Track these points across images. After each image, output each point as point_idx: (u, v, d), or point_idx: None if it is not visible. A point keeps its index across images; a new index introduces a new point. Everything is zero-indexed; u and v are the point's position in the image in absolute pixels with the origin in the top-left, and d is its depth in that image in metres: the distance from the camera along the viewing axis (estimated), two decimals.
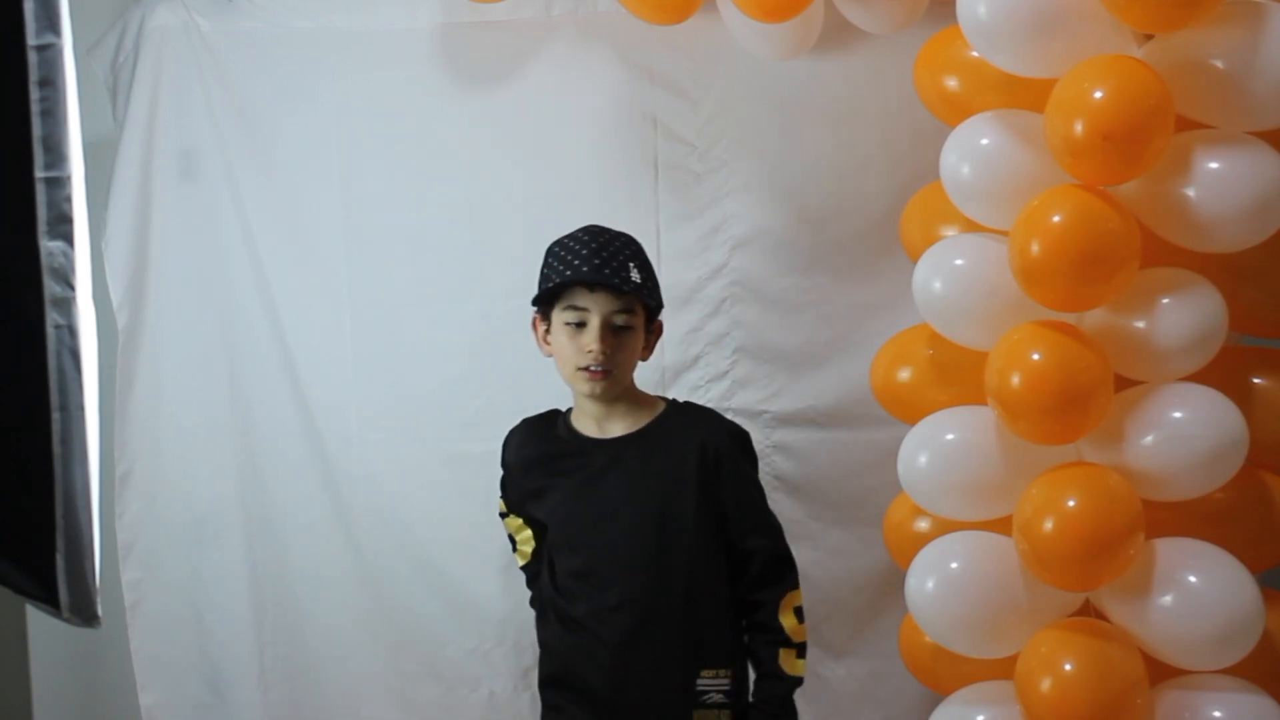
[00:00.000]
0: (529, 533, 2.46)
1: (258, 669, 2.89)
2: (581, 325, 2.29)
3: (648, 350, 2.37)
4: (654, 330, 2.37)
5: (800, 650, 2.33)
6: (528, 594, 2.48)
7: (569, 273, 2.28)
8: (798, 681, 2.32)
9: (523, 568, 2.51)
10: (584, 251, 2.29)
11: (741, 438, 2.39)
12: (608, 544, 2.31)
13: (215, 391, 2.87)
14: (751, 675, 2.36)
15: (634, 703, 2.30)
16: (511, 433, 2.47)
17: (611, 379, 2.30)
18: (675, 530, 2.30)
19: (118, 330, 2.83)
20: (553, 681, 2.38)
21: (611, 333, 2.28)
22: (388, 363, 2.85)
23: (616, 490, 2.33)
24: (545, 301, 2.33)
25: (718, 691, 2.31)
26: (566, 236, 2.35)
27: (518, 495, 2.44)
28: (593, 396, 2.33)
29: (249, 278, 2.85)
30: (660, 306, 2.36)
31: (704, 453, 2.32)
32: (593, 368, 2.29)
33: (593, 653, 2.31)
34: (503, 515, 2.50)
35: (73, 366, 2.38)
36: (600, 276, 2.26)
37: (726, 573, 2.34)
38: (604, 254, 2.29)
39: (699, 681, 2.30)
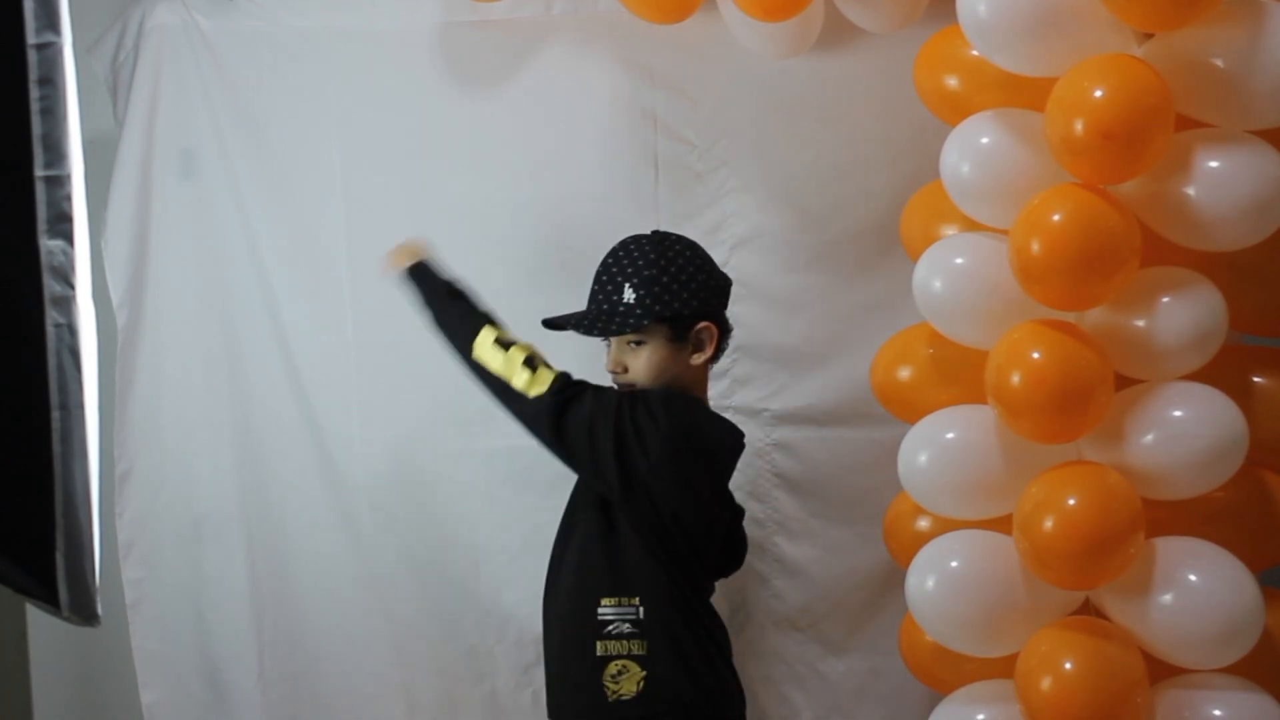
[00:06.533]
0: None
1: (258, 668, 2.88)
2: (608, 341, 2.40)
3: (700, 352, 2.35)
4: (699, 331, 2.35)
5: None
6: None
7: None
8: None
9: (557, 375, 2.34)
10: (591, 280, 2.38)
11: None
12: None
13: (215, 391, 2.87)
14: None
15: (556, 638, 2.35)
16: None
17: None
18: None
19: (118, 330, 2.83)
20: None
21: (626, 350, 2.35)
22: (388, 362, 2.84)
23: None
24: None
25: (624, 620, 2.28)
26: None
27: None
28: None
29: (249, 277, 2.85)
30: (684, 313, 2.32)
31: None
32: (619, 384, 2.38)
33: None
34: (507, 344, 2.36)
35: (73, 365, 2.38)
36: (584, 318, 2.35)
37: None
38: (599, 282, 2.36)
39: (600, 610, 2.28)
